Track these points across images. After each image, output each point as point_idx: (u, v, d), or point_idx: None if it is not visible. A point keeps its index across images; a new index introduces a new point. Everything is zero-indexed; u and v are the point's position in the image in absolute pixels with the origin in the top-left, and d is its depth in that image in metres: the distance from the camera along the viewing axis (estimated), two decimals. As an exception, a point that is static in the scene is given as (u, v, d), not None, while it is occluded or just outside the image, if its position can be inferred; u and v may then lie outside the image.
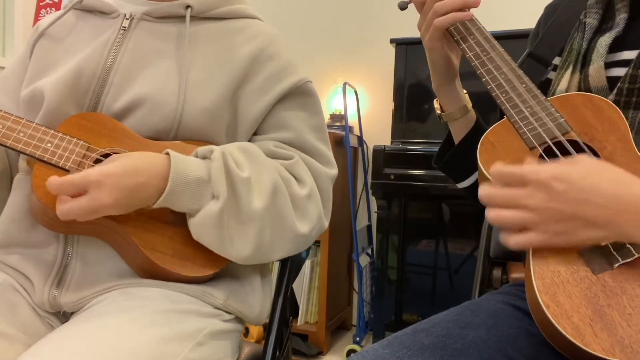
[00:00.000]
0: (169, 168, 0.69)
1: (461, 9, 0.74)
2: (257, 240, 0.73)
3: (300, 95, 0.85)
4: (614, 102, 0.68)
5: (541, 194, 0.55)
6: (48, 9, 2.35)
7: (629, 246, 0.55)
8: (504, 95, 0.68)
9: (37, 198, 0.69)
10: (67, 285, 0.72)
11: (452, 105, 0.83)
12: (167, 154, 0.71)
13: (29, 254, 0.75)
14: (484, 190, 0.58)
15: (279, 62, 0.84)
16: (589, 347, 0.50)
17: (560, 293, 0.54)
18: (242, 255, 0.73)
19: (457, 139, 0.85)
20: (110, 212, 0.67)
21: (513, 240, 0.56)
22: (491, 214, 0.57)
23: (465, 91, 0.84)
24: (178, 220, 0.75)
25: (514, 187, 0.56)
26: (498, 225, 0.58)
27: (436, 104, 0.85)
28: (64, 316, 0.76)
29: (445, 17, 0.74)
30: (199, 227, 0.71)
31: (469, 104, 0.83)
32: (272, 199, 0.74)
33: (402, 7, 0.84)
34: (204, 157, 0.74)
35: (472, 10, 0.77)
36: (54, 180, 0.64)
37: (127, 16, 0.83)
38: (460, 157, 0.85)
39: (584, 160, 0.57)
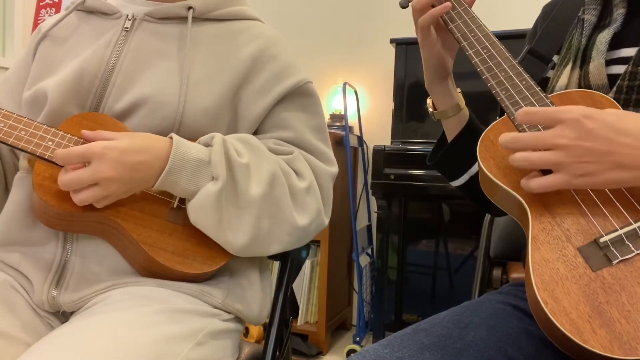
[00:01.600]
0: (170, 150, 0.70)
1: (435, 4, 0.75)
2: (254, 228, 0.73)
3: (300, 95, 0.86)
4: (614, 99, 0.68)
5: (571, 131, 0.54)
6: (48, 9, 2.34)
7: (628, 243, 0.55)
8: (504, 92, 0.68)
9: (38, 196, 0.69)
10: (66, 285, 0.73)
11: (445, 103, 0.83)
12: (171, 137, 0.72)
13: (29, 252, 0.75)
14: (508, 135, 0.57)
15: (279, 63, 0.85)
16: (588, 344, 0.50)
17: (559, 290, 0.54)
18: (239, 243, 0.73)
19: (449, 137, 0.85)
20: (110, 188, 0.67)
21: (535, 183, 0.56)
22: (517, 156, 0.56)
23: (459, 90, 0.84)
24: (178, 218, 0.75)
25: (543, 130, 0.56)
26: (524, 167, 0.57)
27: (429, 102, 0.86)
28: (63, 316, 0.76)
29: (424, 16, 0.75)
30: (197, 209, 0.71)
31: (462, 102, 0.84)
32: (270, 187, 0.74)
33: (403, 5, 0.84)
34: (206, 145, 0.75)
35: (472, 8, 0.77)
36: (60, 151, 0.67)
37: (129, 17, 0.84)
38: (453, 155, 0.85)
39: (610, 108, 0.57)
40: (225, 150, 0.73)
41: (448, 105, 0.83)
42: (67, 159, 0.67)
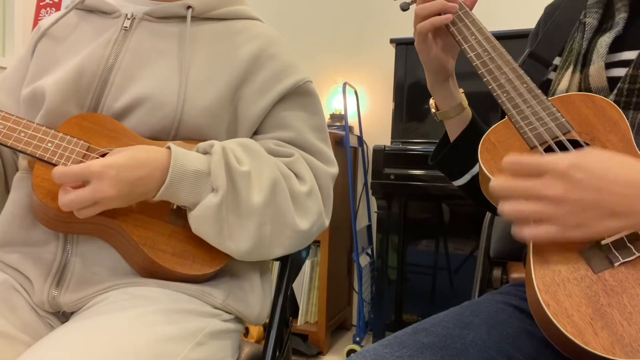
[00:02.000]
0: (169, 161, 0.69)
1: (441, 13, 0.75)
2: (257, 235, 0.73)
3: (300, 95, 0.86)
4: (614, 102, 0.68)
5: (560, 183, 0.53)
6: (48, 9, 2.34)
7: (630, 245, 0.55)
8: (505, 95, 0.68)
9: (37, 198, 0.69)
10: (67, 285, 0.72)
11: (447, 103, 0.83)
12: (169, 148, 0.71)
13: (29, 252, 0.75)
14: (497, 182, 0.56)
15: (279, 63, 0.84)
16: (589, 346, 0.50)
17: (560, 292, 0.54)
18: (241, 250, 0.73)
19: (452, 137, 0.85)
20: (111, 205, 0.67)
21: (528, 233, 0.54)
22: (507, 207, 0.55)
23: (461, 90, 0.84)
24: (178, 219, 0.75)
25: (530, 178, 0.55)
26: (514, 219, 0.56)
27: (431, 102, 0.86)
28: (63, 316, 0.76)
29: (424, 23, 0.75)
30: (198, 221, 0.71)
31: (465, 103, 0.84)
32: (271, 194, 0.74)
33: (404, 7, 0.84)
34: (205, 152, 0.74)
35: (472, 10, 0.77)
36: (58, 169, 0.65)
37: (129, 16, 0.84)
38: (455, 155, 0.85)
39: (595, 150, 0.56)
40: (225, 159, 0.72)
41: (450, 106, 0.83)
42: (63, 179, 0.65)
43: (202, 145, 0.75)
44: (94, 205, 0.66)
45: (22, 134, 0.70)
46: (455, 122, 0.84)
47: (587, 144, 0.64)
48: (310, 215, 0.78)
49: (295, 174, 0.79)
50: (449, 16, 0.75)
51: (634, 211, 0.52)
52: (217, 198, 0.70)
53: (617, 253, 0.55)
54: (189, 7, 0.83)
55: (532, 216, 0.54)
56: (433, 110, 0.85)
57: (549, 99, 0.67)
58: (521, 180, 0.55)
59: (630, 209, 0.52)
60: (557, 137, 0.64)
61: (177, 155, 0.70)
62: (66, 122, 0.75)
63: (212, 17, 0.86)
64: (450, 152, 0.85)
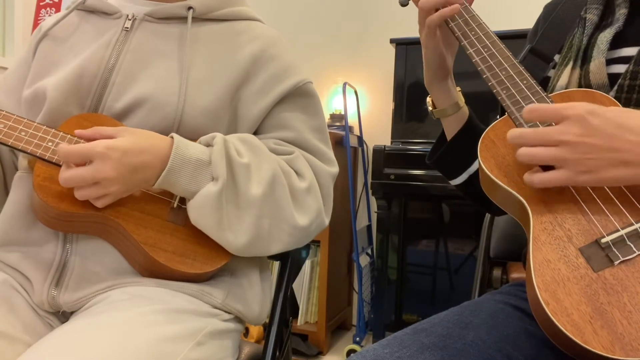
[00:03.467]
0: (171, 149, 0.70)
1: (446, 4, 0.75)
2: (255, 228, 0.73)
3: (300, 96, 0.86)
4: (614, 98, 0.68)
5: (576, 128, 0.55)
6: (48, 9, 2.34)
7: (630, 243, 0.55)
8: (505, 91, 0.68)
9: (38, 197, 0.69)
10: (66, 285, 0.72)
11: (444, 101, 0.83)
12: (172, 137, 0.72)
13: (29, 252, 0.75)
14: (514, 131, 0.58)
15: (279, 63, 0.85)
16: (589, 345, 0.50)
17: (560, 290, 0.54)
18: (239, 243, 0.73)
19: (449, 136, 0.85)
20: (111, 188, 0.67)
21: (538, 178, 0.56)
22: (523, 151, 0.57)
23: (458, 88, 0.84)
24: (178, 218, 0.75)
25: (548, 126, 0.56)
26: (528, 162, 0.58)
27: (429, 100, 0.86)
28: (63, 316, 0.76)
29: (433, 16, 0.75)
30: (197, 210, 0.71)
31: (462, 101, 0.84)
32: (270, 187, 0.74)
33: (403, 3, 0.84)
34: (207, 145, 0.75)
35: (472, 7, 0.77)
36: (63, 147, 0.66)
37: (130, 17, 0.84)
38: (452, 154, 0.85)
39: (614, 106, 0.57)
40: (226, 150, 0.73)
41: (447, 104, 0.83)
42: (68, 156, 0.67)
43: (204, 137, 0.76)
44: (93, 186, 0.67)
45: (23, 133, 0.71)
46: (452, 120, 0.84)
47: None
48: (309, 212, 0.79)
49: (295, 171, 0.80)
50: (456, 7, 0.75)
51: None
52: (217, 187, 0.71)
53: (617, 251, 0.55)
54: (189, 8, 0.83)
55: (546, 160, 0.56)
56: (430, 108, 0.85)
57: (550, 95, 0.67)
58: (538, 127, 0.57)
59: None
60: None
61: (179, 144, 0.71)
62: (67, 122, 0.75)
63: (213, 18, 0.86)
64: (447, 151, 0.85)
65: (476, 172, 0.84)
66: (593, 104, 0.57)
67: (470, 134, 0.82)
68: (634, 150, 0.54)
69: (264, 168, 0.75)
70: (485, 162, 0.66)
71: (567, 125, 0.56)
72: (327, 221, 0.83)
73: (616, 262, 0.55)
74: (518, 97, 0.67)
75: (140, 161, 0.68)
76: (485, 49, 0.72)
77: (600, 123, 0.55)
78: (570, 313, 0.52)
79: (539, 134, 0.57)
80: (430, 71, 0.81)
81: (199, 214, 0.72)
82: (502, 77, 0.69)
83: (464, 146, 0.83)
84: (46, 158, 0.71)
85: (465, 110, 0.84)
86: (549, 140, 0.56)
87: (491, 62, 0.71)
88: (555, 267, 0.55)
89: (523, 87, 0.67)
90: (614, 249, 0.55)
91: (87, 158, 0.67)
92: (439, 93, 0.83)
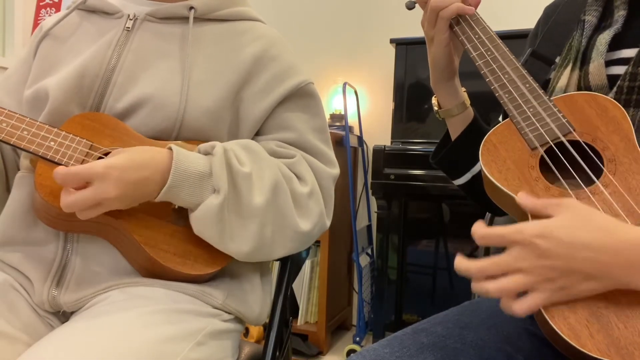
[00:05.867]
0: (171, 163, 0.69)
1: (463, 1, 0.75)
2: (258, 236, 0.73)
3: (302, 97, 0.86)
4: (614, 100, 0.68)
5: (529, 253, 0.52)
6: (48, 9, 2.35)
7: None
8: (507, 95, 0.68)
9: (40, 196, 0.69)
10: (67, 285, 0.73)
11: (450, 101, 0.83)
12: (170, 149, 0.71)
13: (29, 252, 0.75)
14: (472, 265, 0.55)
15: (281, 64, 0.85)
16: (585, 348, 0.50)
17: None
18: (242, 251, 0.73)
19: (453, 136, 0.85)
20: (113, 206, 0.67)
21: (517, 307, 0.53)
22: (492, 286, 0.54)
23: (464, 89, 0.84)
24: (180, 219, 0.75)
25: (502, 255, 0.54)
26: (499, 296, 0.54)
27: (434, 100, 0.86)
28: (63, 316, 0.76)
29: (449, 8, 0.74)
30: (199, 222, 0.71)
31: (467, 101, 0.84)
32: (273, 195, 0.74)
33: (410, 7, 0.84)
34: (207, 153, 0.74)
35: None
36: (60, 170, 0.65)
37: (131, 17, 0.84)
38: (456, 154, 0.85)
39: (567, 209, 0.54)
40: (227, 160, 0.72)
41: (453, 104, 0.83)
42: (66, 179, 0.65)
43: (203, 146, 0.75)
44: (96, 207, 0.66)
45: (25, 132, 0.71)
46: (457, 120, 0.84)
47: (589, 145, 0.63)
48: (312, 217, 0.79)
49: (297, 176, 0.80)
50: (472, 8, 0.75)
51: (611, 275, 0.51)
52: (219, 199, 0.70)
53: None
54: (191, 8, 0.83)
55: (516, 289, 0.53)
56: (435, 108, 0.85)
57: (552, 98, 0.67)
58: (494, 258, 0.54)
59: (605, 273, 0.51)
60: (558, 138, 0.64)
61: (179, 157, 0.70)
62: (68, 121, 0.75)
63: (215, 18, 0.86)
64: (451, 151, 0.85)
65: (479, 173, 0.84)
66: (541, 223, 0.53)
67: (474, 134, 0.82)
68: (593, 266, 0.51)
69: (265, 175, 0.74)
70: (486, 166, 0.66)
71: (518, 252, 0.53)
72: (328, 223, 0.83)
73: None
74: (520, 101, 0.66)
75: (140, 176, 0.67)
76: (489, 53, 0.72)
77: (551, 246, 0.52)
78: (567, 316, 0.52)
79: (495, 265, 0.54)
80: (437, 71, 0.81)
81: (202, 225, 0.71)
82: (505, 81, 0.69)
83: (468, 146, 0.83)
84: (48, 157, 0.71)
85: (470, 111, 0.84)
86: (508, 269, 0.53)
87: (494, 66, 0.71)
88: None
89: (525, 90, 0.67)
90: None
91: (87, 179, 0.65)
92: (445, 93, 0.83)
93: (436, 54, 0.79)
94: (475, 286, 0.55)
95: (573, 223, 0.53)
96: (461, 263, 0.56)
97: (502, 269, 0.54)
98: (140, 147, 0.71)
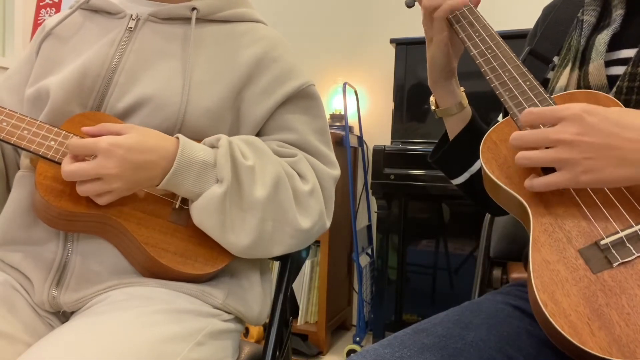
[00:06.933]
0: (177, 150, 0.70)
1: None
2: (258, 230, 0.73)
3: (303, 98, 0.86)
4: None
5: (573, 127, 0.54)
6: (48, 9, 2.35)
7: (629, 245, 0.55)
8: (507, 93, 0.68)
9: (40, 196, 0.70)
10: (67, 285, 0.73)
11: (448, 101, 0.83)
12: (177, 137, 0.72)
13: (29, 251, 0.75)
14: (515, 134, 0.58)
15: (282, 65, 0.85)
16: (586, 346, 0.50)
17: (558, 292, 0.54)
18: (242, 245, 0.73)
19: (451, 135, 0.85)
20: (112, 184, 0.68)
21: (538, 182, 0.56)
22: (520, 155, 0.57)
23: (462, 88, 0.85)
24: (180, 219, 0.75)
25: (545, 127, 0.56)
26: (526, 165, 0.57)
27: (432, 100, 0.86)
28: (63, 316, 0.76)
29: (442, 7, 0.75)
30: (201, 211, 0.71)
31: (465, 101, 0.84)
32: (274, 190, 0.74)
33: (409, 4, 0.84)
34: (212, 146, 0.75)
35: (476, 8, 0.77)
36: (75, 139, 0.68)
37: (134, 17, 0.84)
38: (455, 153, 0.85)
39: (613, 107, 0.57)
40: (231, 152, 0.73)
41: (451, 103, 0.83)
42: (76, 149, 0.68)
43: (208, 139, 0.76)
44: (95, 182, 0.67)
45: (25, 132, 0.71)
46: (455, 120, 0.84)
47: None
48: (312, 215, 0.79)
49: (298, 173, 0.80)
50: (465, 0, 0.75)
51: None
52: (222, 189, 0.71)
53: (616, 253, 0.55)
54: (193, 8, 0.84)
55: (544, 162, 0.56)
56: (433, 107, 0.86)
57: (553, 96, 0.67)
58: (537, 129, 0.57)
59: None
60: None
61: (185, 145, 0.71)
62: (69, 121, 0.75)
63: (217, 19, 0.86)
64: (450, 150, 0.85)
65: (477, 172, 0.84)
66: (591, 103, 0.56)
67: (472, 133, 0.82)
68: (634, 147, 0.53)
69: (268, 170, 0.75)
70: (487, 164, 0.66)
71: (564, 125, 0.55)
72: (328, 223, 0.83)
73: (615, 264, 0.55)
74: (521, 99, 0.66)
75: (144, 159, 0.68)
76: (489, 51, 0.72)
77: (598, 121, 0.54)
78: (568, 314, 0.52)
79: (535, 135, 0.57)
80: (436, 71, 0.81)
81: (203, 215, 0.72)
82: (505, 79, 0.69)
83: (466, 146, 0.83)
84: (48, 157, 0.71)
85: (469, 110, 0.84)
86: (546, 141, 0.56)
87: (495, 64, 0.71)
88: (554, 269, 0.56)
89: (526, 88, 0.67)
90: (613, 251, 0.55)
91: (91, 152, 0.67)
92: (443, 93, 0.83)
93: (435, 54, 0.79)
94: (517, 155, 0.58)
95: (620, 109, 0.56)
96: (513, 133, 0.58)
97: (541, 139, 0.56)
98: (150, 131, 0.72)
